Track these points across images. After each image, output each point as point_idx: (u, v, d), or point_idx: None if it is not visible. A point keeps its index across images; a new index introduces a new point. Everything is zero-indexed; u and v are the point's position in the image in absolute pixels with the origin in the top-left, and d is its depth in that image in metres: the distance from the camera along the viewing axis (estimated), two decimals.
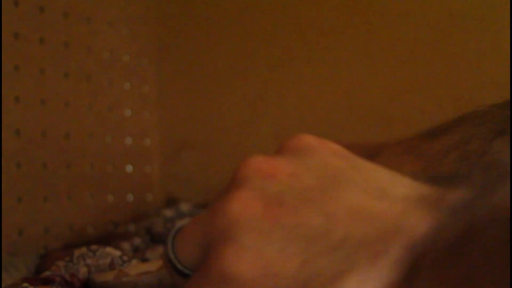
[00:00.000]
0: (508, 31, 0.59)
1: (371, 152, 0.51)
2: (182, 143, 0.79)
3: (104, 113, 0.73)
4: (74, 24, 0.69)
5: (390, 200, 0.26)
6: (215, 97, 0.77)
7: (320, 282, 0.24)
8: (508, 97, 0.49)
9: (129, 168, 0.76)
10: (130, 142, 0.76)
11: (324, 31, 0.70)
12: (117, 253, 0.47)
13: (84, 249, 0.47)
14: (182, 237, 0.30)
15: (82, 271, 0.44)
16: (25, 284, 0.41)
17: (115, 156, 0.75)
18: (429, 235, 0.24)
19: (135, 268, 0.43)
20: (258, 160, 0.29)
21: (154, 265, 0.44)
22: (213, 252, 0.27)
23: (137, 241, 0.63)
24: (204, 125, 0.78)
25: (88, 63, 0.71)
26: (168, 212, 0.71)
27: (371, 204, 0.26)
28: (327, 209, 0.26)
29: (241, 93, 0.76)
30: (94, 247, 0.47)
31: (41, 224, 0.66)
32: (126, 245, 0.61)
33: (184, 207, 0.73)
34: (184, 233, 0.30)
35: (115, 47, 0.74)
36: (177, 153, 0.79)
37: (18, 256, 0.61)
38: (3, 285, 0.43)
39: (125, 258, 0.47)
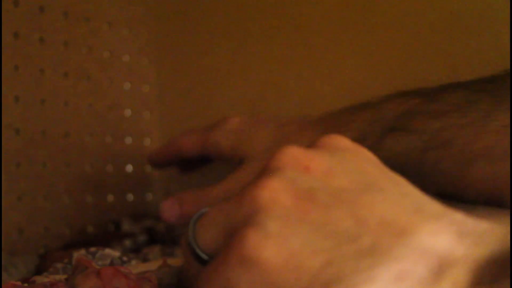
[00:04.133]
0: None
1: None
2: None
3: (104, 113, 0.73)
4: (74, 23, 0.69)
5: (424, 218, 0.25)
6: (216, 96, 0.77)
7: (341, 287, 0.24)
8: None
9: (129, 168, 0.76)
10: (130, 141, 0.76)
11: (325, 30, 0.70)
12: (117, 253, 0.47)
13: (83, 251, 0.46)
14: (205, 221, 0.30)
15: None
16: None
17: (115, 156, 0.75)
18: (459, 262, 0.23)
19: (135, 268, 0.43)
20: (294, 152, 0.29)
21: (154, 264, 0.44)
22: (237, 236, 0.26)
23: (138, 240, 0.63)
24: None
25: (88, 63, 0.71)
26: None
27: (403, 219, 0.25)
28: (358, 214, 0.26)
29: (242, 92, 0.76)
30: (93, 249, 0.47)
31: (41, 224, 0.66)
32: (126, 245, 0.61)
33: None
34: (207, 217, 0.30)
35: (115, 46, 0.74)
36: None
37: (18, 255, 0.61)
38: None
39: (124, 258, 0.47)
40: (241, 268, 0.26)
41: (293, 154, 0.29)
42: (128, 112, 0.76)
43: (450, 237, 0.24)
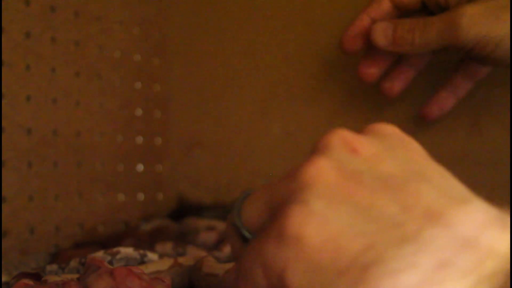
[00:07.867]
0: None
1: None
2: (192, 142, 0.79)
3: (115, 112, 0.73)
4: (85, 23, 0.69)
5: (470, 210, 0.25)
6: (226, 96, 0.77)
7: (380, 271, 0.23)
8: None
9: (139, 167, 0.76)
10: (141, 141, 0.76)
11: (335, 31, 0.69)
12: (129, 250, 0.47)
13: (100, 253, 0.46)
14: (251, 200, 0.30)
15: None
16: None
17: (126, 155, 0.75)
18: (502, 256, 0.23)
19: (147, 268, 0.43)
20: (343, 133, 0.29)
21: (164, 264, 0.44)
22: (280, 212, 0.26)
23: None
24: (214, 124, 0.78)
25: (99, 62, 0.71)
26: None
27: (449, 210, 0.25)
28: (404, 201, 0.25)
29: (252, 92, 0.76)
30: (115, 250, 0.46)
31: (52, 223, 0.66)
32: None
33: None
34: (253, 196, 0.30)
35: (126, 46, 0.74)
36: (188, 153, 0.79)
37: (29, 254, 0.61)
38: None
39: (141, 251, 0.47)
40: (280, 244, 0.26)
41: (342, 136, 0.28)
42: (139, 112, 0.76)
43: (494, 230, 0.24)
